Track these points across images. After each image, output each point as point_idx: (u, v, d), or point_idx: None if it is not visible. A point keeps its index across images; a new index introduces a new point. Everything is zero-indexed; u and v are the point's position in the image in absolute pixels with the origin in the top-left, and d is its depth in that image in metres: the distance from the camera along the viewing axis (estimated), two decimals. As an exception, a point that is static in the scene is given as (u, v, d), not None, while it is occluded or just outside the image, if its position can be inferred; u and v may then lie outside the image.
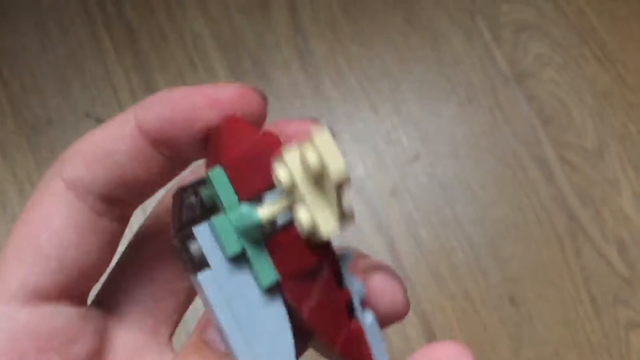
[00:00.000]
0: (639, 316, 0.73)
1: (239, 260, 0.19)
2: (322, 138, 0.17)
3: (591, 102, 0.79)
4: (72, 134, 0.79)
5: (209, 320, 0.20)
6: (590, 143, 0.78)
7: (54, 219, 0.19)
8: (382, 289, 0.20)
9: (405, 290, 0.20)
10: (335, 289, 0.19)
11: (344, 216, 0.18)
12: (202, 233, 0.19)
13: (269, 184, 0.19)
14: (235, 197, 0.19)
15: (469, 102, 0.79)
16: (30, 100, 0.80)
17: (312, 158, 0.17)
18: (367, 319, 0.20)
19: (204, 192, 0.19)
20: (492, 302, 0.74)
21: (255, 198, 0.19)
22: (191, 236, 0.19)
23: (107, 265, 0.21)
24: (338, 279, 0.19)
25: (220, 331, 0.19)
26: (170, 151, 0.19)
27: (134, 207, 0.21)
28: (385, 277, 0.20)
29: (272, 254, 0.19)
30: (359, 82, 0.80)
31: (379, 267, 0.20)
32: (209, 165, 0.20)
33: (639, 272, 0.74)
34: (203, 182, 0.19)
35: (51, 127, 0.79)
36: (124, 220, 0.21)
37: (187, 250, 0.19)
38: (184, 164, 0.20)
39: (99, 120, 0.80)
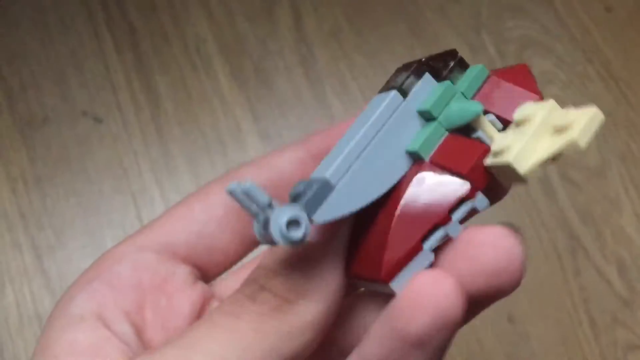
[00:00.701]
0: (637, 338, 0.72)
1: (421, 118, 0.21)
2: (593, 116, 0.18)
3: (594, 121, 0.78)
4: (68, 132, 0.78)
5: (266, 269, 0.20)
6: (593, 161, 0.77)
7: (210, 196, 0.24)
8: (485, 240, 0.18)
9: (522, 250, 0.19)
10: (445, 209, 0.20)
11: (534, 170, 0.19)
12: (426, 80, 0.22)
13: (499, 113, 0.21)
14: (472, 93, 0.22)
15: (471, 116, 0.79)
16: (28, 96, 0.79)
17: (571, 116, 0.18)
18: (429, 254, 0.20)
19: (454, 74, 0.22)
20: (489, 318, 0.72)
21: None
22: (418, 73, 0.22)
23: (230, 263, 0.24)
24: (455, 206, 0.20)
25: (343, 142, 0.21)
26: None
27: None
28: (497, 230, 0.19)
29: (445, 143, 0.21)
30: (361, 92, 0.80)
31: (496, 225, 0.19)
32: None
33: (638, 293, 0.73)
34: (450, 62, 0.23)
35: (47, 125, 0.78)
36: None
37: (405, 76, 0.22)
38: None
39: (96, 120, 0.78)
